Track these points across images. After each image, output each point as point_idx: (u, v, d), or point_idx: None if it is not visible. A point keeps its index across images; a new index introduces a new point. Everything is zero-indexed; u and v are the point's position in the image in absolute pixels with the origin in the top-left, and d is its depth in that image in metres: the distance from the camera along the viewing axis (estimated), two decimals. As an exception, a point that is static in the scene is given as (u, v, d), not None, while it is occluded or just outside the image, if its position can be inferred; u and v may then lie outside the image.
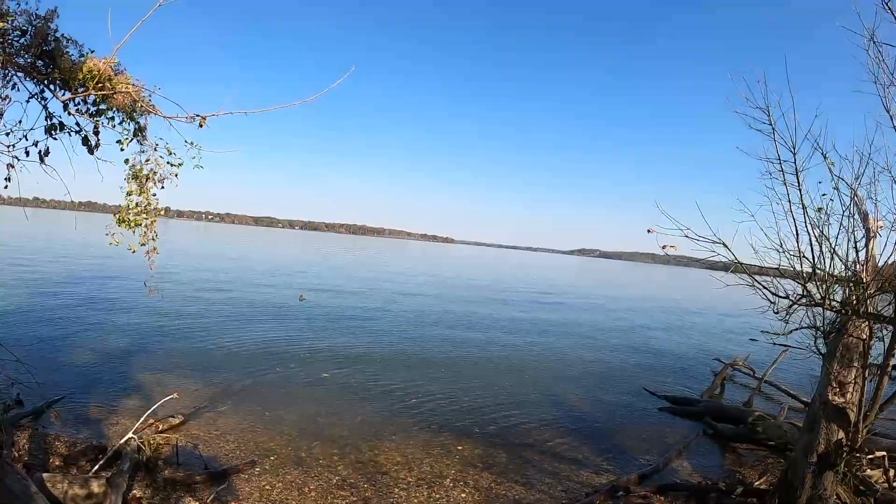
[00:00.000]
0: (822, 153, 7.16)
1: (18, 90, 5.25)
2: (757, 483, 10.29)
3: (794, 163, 7.32)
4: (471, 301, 37.69)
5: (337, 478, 9.30)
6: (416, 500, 8.84)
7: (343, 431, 11.36)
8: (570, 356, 21.61)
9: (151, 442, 9.10)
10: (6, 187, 5.42)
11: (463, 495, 9.15)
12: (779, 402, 16.23)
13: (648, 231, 7.74)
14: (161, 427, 10.32)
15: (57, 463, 8.93)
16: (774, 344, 8.01)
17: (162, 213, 5.24)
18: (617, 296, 57.02)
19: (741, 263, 7.72)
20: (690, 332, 32.73)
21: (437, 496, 9.04)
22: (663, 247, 7.71)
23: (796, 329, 7.65)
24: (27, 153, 5.44)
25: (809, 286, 7.26)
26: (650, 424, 13.79)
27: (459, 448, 11.06)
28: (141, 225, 5.20)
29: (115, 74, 5.00)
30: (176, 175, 5.23)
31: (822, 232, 7.32)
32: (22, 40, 5.14)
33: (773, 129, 7.47)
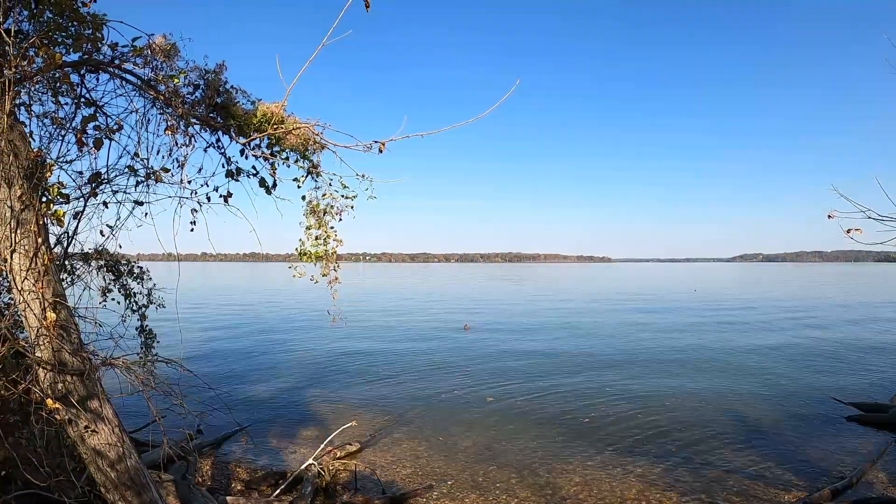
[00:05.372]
0: None
1: (196, 140, 5.61)
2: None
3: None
4: (633, 318, 36.50)
5: (515, 500, 9.09)
6: (599, 523, 8.45)
7: (518, 455, 11.16)
8: (744, 365, 20.21)
9: (331, 468, 9.38)
10: (192, 230, 5.79)
11: (647, 517, 8.65)
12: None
13: (829, 217, 7.10)
14: (339, 454, 10.61)
15: (239, 488, 9.39)
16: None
17: (341, 242, 5.37)
18: (788, 300, 52.94)
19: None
20: (871, 331, 29.53)
21: (621, 518, 8.60)
22: (848, 231, 7.02)
23: None
24: (208, 198, 5.78)
25: None
26: (839, 435, 12.46)
27: (638, 468, 10.49)
28: (322, 257, 5.36)
29: (287, 116, 5.21)
30: (352, 207, 5.36)
31: None
32: (196, 95, 5.46)
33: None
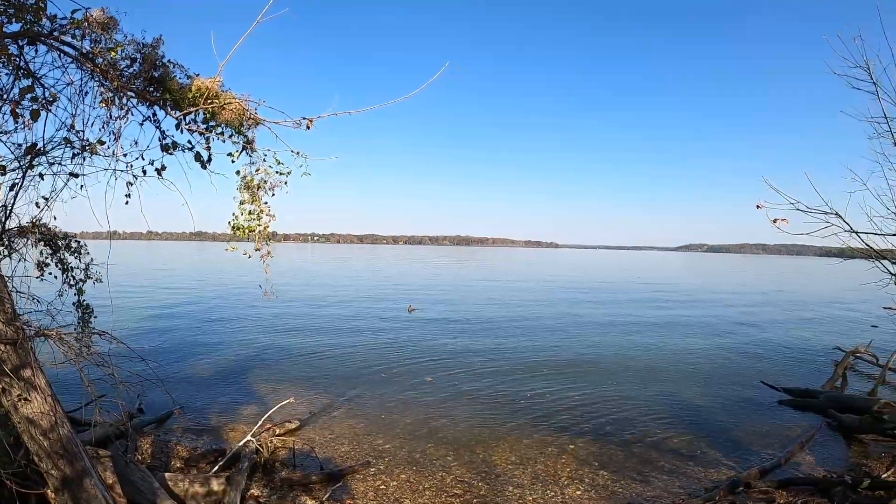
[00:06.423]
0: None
1: (132, 114, 5.63)
2: (885, 475, 9.49)
3: (903, 120, 6.88)
4: (575, 303, 37.33)
5: (451, 477, 9.35)
6: (530, 499, 8.71)
7: (455, 433, 11.44)
8: (682, 352, 20.84)
9: (269, 445, 9.47)
10: (127, 203, 5.82)
11: (578, 493, 8.95)
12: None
13: (758, 207, 7.43)
14: (278, 431, 10.70)
15: (178, 465, 9.46)
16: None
17: (274, 218, 5.47)
18: (727, 289, 54.51)
19: (857, 234, 7.28)
20: (807, 321, 30.72)
21: (552, 494, 8.88)
22: (774, 221, 7.39)
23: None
24: (144, 172, 5.81)
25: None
26: (769, 418, 13.05)
27: (573, 447, 10.86)
28: (255, 231, 5.46)
29: (222, 92, 5.28)
30: (285, 183, 5.47)
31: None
32: (133, 68, 5.47)
33: (875, 86, 7.03)
